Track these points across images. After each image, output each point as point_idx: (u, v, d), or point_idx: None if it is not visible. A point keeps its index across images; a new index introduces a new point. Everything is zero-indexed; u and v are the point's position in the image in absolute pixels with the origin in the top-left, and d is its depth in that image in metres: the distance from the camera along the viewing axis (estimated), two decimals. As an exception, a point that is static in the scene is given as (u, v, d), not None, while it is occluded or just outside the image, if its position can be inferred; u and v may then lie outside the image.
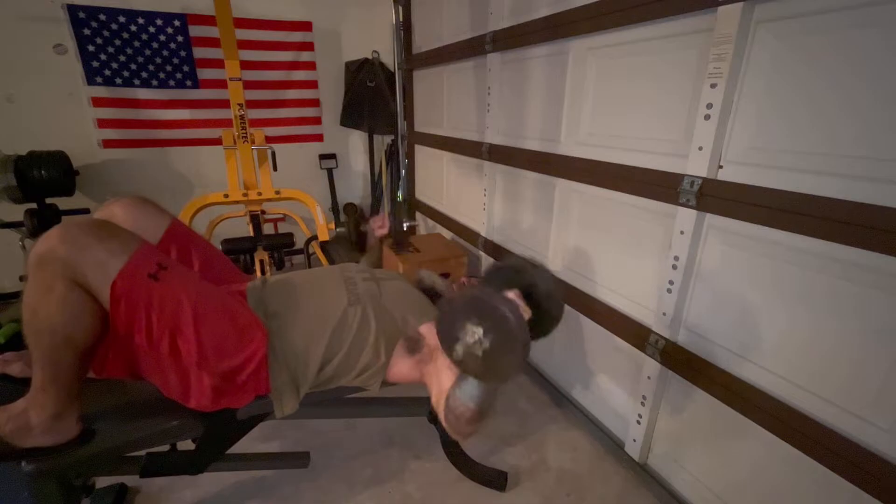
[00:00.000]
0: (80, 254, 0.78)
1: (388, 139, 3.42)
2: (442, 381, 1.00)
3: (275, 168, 2.45)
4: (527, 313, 0.91)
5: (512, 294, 0.93)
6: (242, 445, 1.13)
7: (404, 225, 3.08)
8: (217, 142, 2.44)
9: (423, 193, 3.14)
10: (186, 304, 0.88)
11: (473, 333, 0.80)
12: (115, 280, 0.80)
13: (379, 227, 1.59)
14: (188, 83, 2.84)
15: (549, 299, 1.03)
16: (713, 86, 1.08)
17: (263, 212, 2.52)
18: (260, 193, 2.39)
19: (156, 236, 1.06)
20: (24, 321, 0.80)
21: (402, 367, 1.10)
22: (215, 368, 0.92)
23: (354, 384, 1.11)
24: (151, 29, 2.67)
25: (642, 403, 1.43)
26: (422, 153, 3.07)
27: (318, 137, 3.34)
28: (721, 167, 1.11)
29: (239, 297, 1.06)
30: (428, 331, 1.13)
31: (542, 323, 1.06)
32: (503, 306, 0.77)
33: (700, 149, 1.13)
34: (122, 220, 1.02)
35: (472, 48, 2.13)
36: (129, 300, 0.82)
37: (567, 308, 1.73)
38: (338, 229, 1.86)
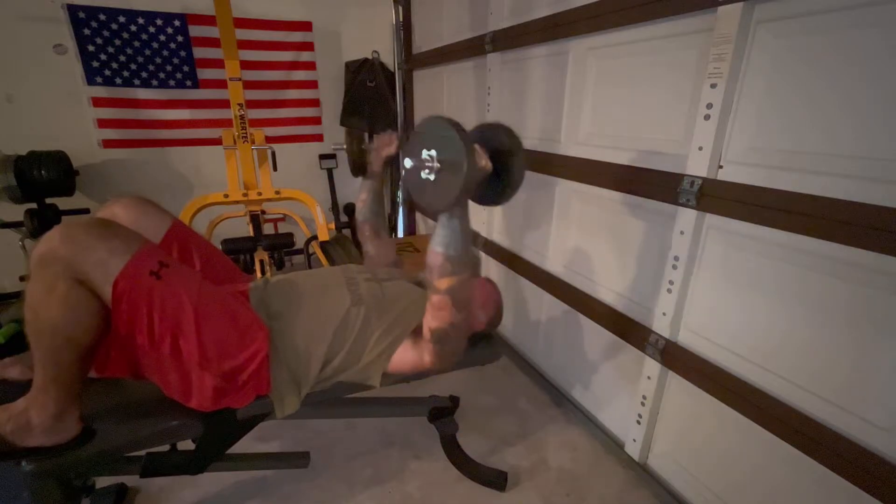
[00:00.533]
0: (82, 253, 0.78)
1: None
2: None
3: (275, 168, 2.45)
4: (485, 160, 0.99)
5: (477, 145, 0.98)
6: (242, 445, 1.12)
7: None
8: (217, 142, 2.44)
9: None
10: (188, 303, 0.87)
11: (428, 155, 0.89)
12: (117, 279, 0.80)
13: (386, 144, 1.28)
14: (188, 83, 2.84)
15: (511, 162, 1.06)
16: (713, 86, 1.08)
17: (263, 212, 2.52)
18: (260, 193, 2.39)
19: (157, 236, 1.06)
20: (26, 321, 0.80)
21: (404, 357, 1.10)
22: (217, 368, 0.92)
23: (357, 379, 1.11)
24: (151, 29, 2.67)
25: (642, 403, 1.43)
26: (422, 153, 3.06)
27: (318, 137, 3.34)
28: (721, 167, 1.12)
29: (241, 297, 1.06)
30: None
31: (501, 183, 1.08)
32: (462, 140, 0.85)
33: (700, 149, 1.13)
34: (123, 220, 1.02)
35: (472, 48, 2.14)
36: (131, 299, 0.82)
37: (567, 308, 1.74)
38: (333, 145, 1.59)
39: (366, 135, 1.42)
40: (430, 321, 1.02)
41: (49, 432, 0.85)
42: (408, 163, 0.92)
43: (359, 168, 1.37)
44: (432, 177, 0.90)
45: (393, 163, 1.33)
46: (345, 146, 1.38)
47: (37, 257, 0.78)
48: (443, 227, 0.94)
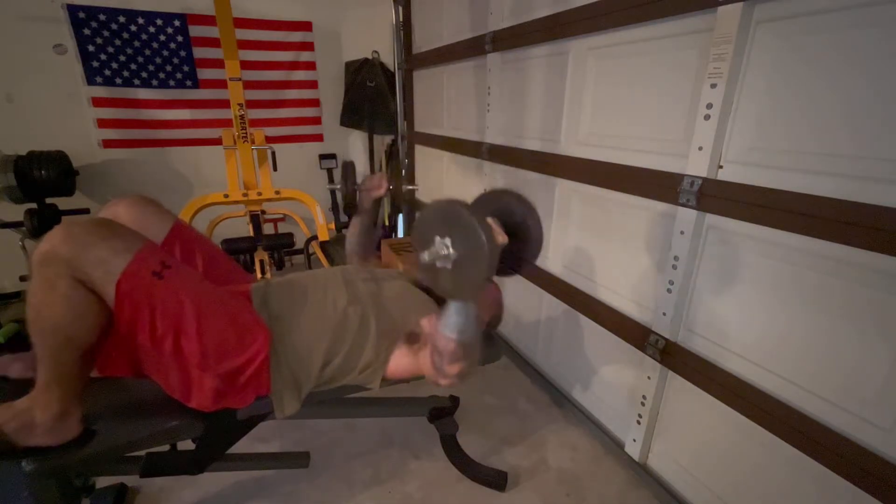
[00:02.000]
0: (84, 252, 0.78)
1: (388, 139, 3.42)
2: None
3: (275, 168, 2.45)
4: (501, 237, 0.92)
5: (490, 219, 0.92)
6: (242, 445, 1.12)
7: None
8: (217, 142, 2.44)
9: (423, 193, 3.14)
10: (189, 303, 0.88)
11: (443, 245, 0.81)
12: (119, 278, 0.80)
13: (375, 187, 1.42)
14: (188, 83, 2.84)
15: (527, 232, 1.02)
16: (713, 86, 1.08)
17: (263, 212, 2.52)
18: (260, 193, 2.39)
19: (159, 236, 1.06)
20: (28, 320, 0.80)
21: (401, 361, 1.10)
22: (217, 369, 0.92)
23: (355, 382, 1.11)
24: (151, 29, 2.68)
25: (642, 403, 1.43)
26: (422, 153, 3.07)
27: (318, 137, 3.34)
28: (721, 167, 1.11)
29: (242, 297, 1.06)
30: (427, 322, 1.13)
31: (519, 255, 1.04)
32: (476, 222, 0.78)
33: (700, 149, 1.13)
34: (125, 220, 1.02)
35: (472, 48, 2.14)
36: (134, 298, 0.82)
37: (567, 308, 1.74)
38: (328, 186, 1.72)
39: (356, 176, 1.51)
40: (436, 383, 0.99)
41: (51, 432, 0.85)
42: (424, 257, 0.82)
43: (351, 207, 1.46)
44: (448, 265, 0.82)
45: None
46: (338, 187, 1.43)
47: (38, 257, 0.78)
48: (457, 314, 0.87)
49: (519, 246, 1.00)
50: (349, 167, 1.48)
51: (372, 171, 3.44)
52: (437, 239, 0.81)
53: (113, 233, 0.83)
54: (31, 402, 0.84)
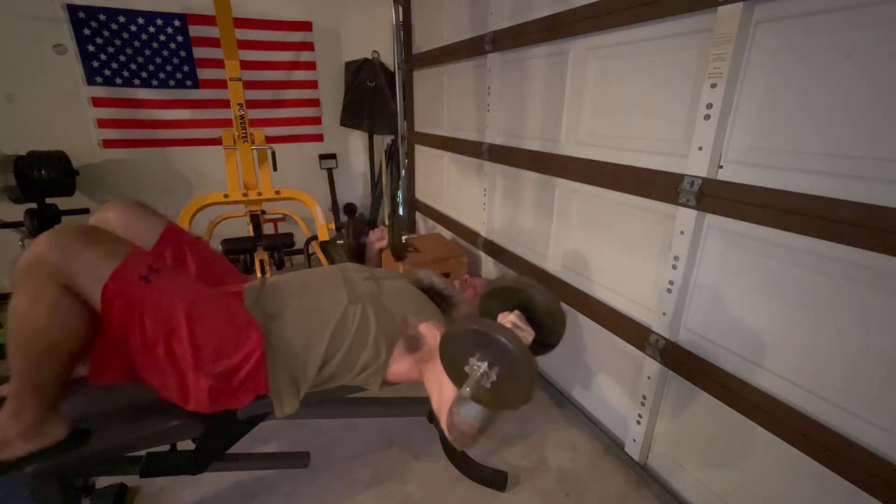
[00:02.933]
0: (71, 259, 0.78)
1: (388, 139, 3.42)
2: (443, 387, 1.00)
3: (275, 168, 2.45)
4: (529, 335, 0.92)
5: (512, 316, 0.93)
6: (242, 445, 1.13)
7: (403, 238, 3.11)
8: (217, 142, 2.44)
9: (423, 193, 3.14)
10: (179, 305, 0.87)
11: (479, 368, 0.80)
12: (106, 283, 0.80)
13: (378, 239, 1.61)
14: (188, 83, 2.84)
15: (549, 315, 1.01)
16: (713, 86, 1.08)
17: (263, 212, 2.52)
18: (260, 193, 2.39)
19: (151, 240, 1.06)
20: (8, 328, 0.79)
21: (401, 366, 1.10)
22: (211, 370, 0.92)
23: (355, 383, 1.11)
24: (151, 29, 2.67)
25: (642, 403, 1.43)
26: (422, 153, 3.07)
27: (318, 137, 3.34)
28: (721, 167, 1.11)
29: (235, 297, 1.06)
30: (427, 330, 1.13)
31: (546, 339, 1.04)
32: (504, 337, 0.77)
33: (700, 149, 1.13)
34: (115, 226, 1.02)
35: (472, 48, 2.13)
36: (122, 303, 0.82)
37: (567, 308, 1.74)
38: (338, 241, 1.89)
39: (364, 226, 1.69)
40: (448, 433, 0.99)
41: (32, 440, 0.85)
42: (466, 391, 0.81)
43: (355, 256, 1.59)
44: (488, 384, 0.81)
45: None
46: (342, 241, 1.57)
47: (24, 264, 0.78)
48: (483, 412, 0.89)
49: (545, 332, 1.00)
50: (353, 223, 1.62)
51: (372, 170, 3.44)
52: (472, 361, 0.81)
53: (99, 239, 0.83)
54: (2, 419, 0.83)
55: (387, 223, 3.37)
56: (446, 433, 0.98)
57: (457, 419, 0.92)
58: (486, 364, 0.80)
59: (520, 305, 1.00)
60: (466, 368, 0.82)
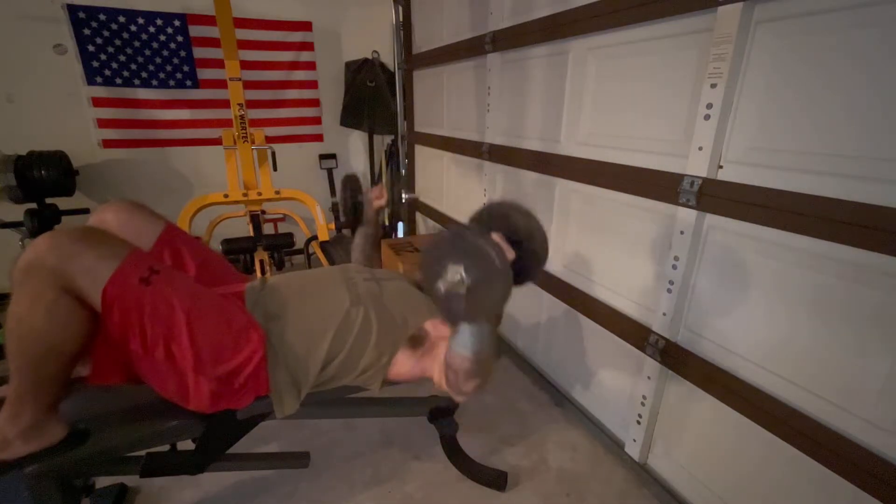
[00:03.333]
0: (70, 261, 0.78)
1: (388, 139, 3.43)
2: (442, 358, 1.00)
3: (275, 168, 2.45)
4: (510, 254, 0.90)
5: (494, 235, 0.91)
6: (242, 445, 1.13)
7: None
8: (217, 142, 2.44)
9: (423, 193, 3.14)
10: (179, 308, 0.87)
11: (455, 272, 0.81)
12: (106, 286, 0.79)
13: (377, 197, 1.49)
14: (188, 83, 2.84)
15: (532, 241, 1.01)
16: (713, 86, 1.08)
17: (263, 212, 2.52)
18: (260, 193, 2.39)
19: (149, 241, 1.06)
20: (7, 329, 0.79)
21: (404, 365, 1.10)
22: (212, 372, 0.92)
23: (356, 383, 1.11)
24: (151, 29, 2.68)
25: (642, 403, 1.43)
26: (422, 153, 3.07)
27: (318, 137, 3.34)
28: (721, 167, 1.11)
29: (235, 299, 1.05)
30: (431, 325, 1.13)
31: (527, 264, 1.02)
32: (485, 245, 0.78)
33: (700, 149, 1.13)
34: (114, 227, 1.02)
35: (472, 48, 2.13)
36: (122, 306, 0.82)
37: (567, 308, 1.74)
38: (332, 199, 1.79)
39: (360, 187, 1.57)
40: (452, 393, 1.00)
41: (30, 441, 0.85)
42: (440, 289, 0.82)
43: (351, 220, 1.50)
44: (463, 291, 0.81)
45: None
46: (339, 201, 1.47)
47: (23, 266, 0.78)
48: (472, 335, 0.88)
49: (526, 256, 0.98)
50: (350, 180, 1.53)
51: (372, 170, 3.44)
52: (450, 267, 0.81)
53: (99, 241, 0.83)
54: (1, 420, 0.84)
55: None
56: (446, 387, 0.99)
57: (450, 359, 0.92)
58: (462, 268, 0.80)
59: (504, 229, 0.98)
60: (444, 272, 0.83)
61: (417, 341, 1.12)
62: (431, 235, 0.88)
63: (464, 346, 0.89)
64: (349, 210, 1.53)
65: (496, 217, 1.05)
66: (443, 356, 0.99)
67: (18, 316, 0.78)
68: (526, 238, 1.01)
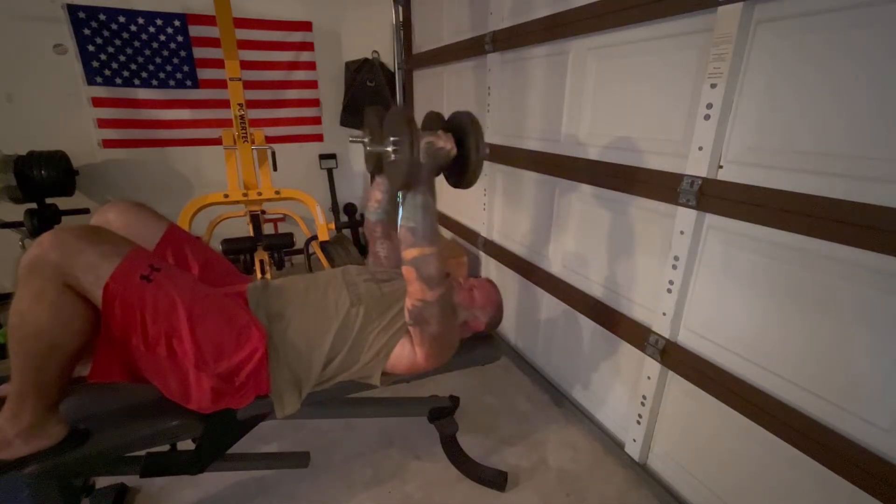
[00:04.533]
0: (72, 258, 0.78)
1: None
2: None
3: (275, 168, 2.45)
4: (448, 144, 1.04)
5: (441, 133, 1.06)
6: (242, 445, 1.13)
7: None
8: (217, 142, 2.44)
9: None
10: (180, 305, 0.88)
11: (389, 143, 1.00)
12: (107, 282, 0.80)
13: (448, 146, 1.26)
14: (188, 83, 2.84)
15: (467, 139, 1.08)
16: (713, 86, 1.08)
17: (263, 212, 2.52)
18: (260, 193, 2.39)
19: (152, 241, 1.06)
20: (10, 326, 0.79)
21: (402, 355, 1.10)
22: (213, 369, 0.92)
23: (355, 377, 1.12)
24: (151, 29, 2.67)
25: (642, 403, 1.43)
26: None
27: (318, 137, 3.34)
28: (721, 167, 1.11)
29: (238, 298, 1.06)
30: None
31: (463, 164, 1.10)
32: (412, 132, 0.96)
33: (700, 149, 1.13)
34: (116, 226, 1.02)
35: (472, 48, 2.13)
36: (124, 302, 0.82)
37: (567, 308, 1.74)
38: (350, 138, 1.49)
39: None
40: (406, 301, 1.05)
41: (31, 441, 0.85)
42: (368, 145, 1.14)
43: (378, 164, 1.27)
44: (393, 158, 0.99)
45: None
46: (365, 139, 1.26)
47: (26, 263, 0.78)
48: (407, 204, 1.01)
49: (463, 160, 1.09)
50: (376, 116, 1.23)
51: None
52: (390, 138, 1.00)
53: (101, 238, 0.83)
54: (2, 419, 0.84)
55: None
56: (408, 291, 1.05)
57: (399, 236, 1.03)
58: (392, 139, 0.99)
59: (452, 130, 1.10)
60: (383, 140, 1.04)
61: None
62: (389, 113, 1.10)
63: (403, 218, 1.01)
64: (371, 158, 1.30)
65: (453, 120, 1.13)
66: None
67: (21, 313, 0.78)
68: (464, 141, 1.09)
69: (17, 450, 0.85)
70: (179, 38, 2.75)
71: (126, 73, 2.68)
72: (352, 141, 1.33)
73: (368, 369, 1.10)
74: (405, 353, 1.10)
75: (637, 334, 1.41)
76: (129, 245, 0.86)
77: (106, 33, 2.58)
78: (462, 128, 1.07)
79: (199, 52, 2.81)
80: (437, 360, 1.11)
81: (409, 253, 1.01)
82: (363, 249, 3.12)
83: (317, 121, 3.30)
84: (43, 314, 0.78)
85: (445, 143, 1.04)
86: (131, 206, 1.08)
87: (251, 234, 2.50)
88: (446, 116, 1.16)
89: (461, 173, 1.12)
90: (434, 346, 1.07)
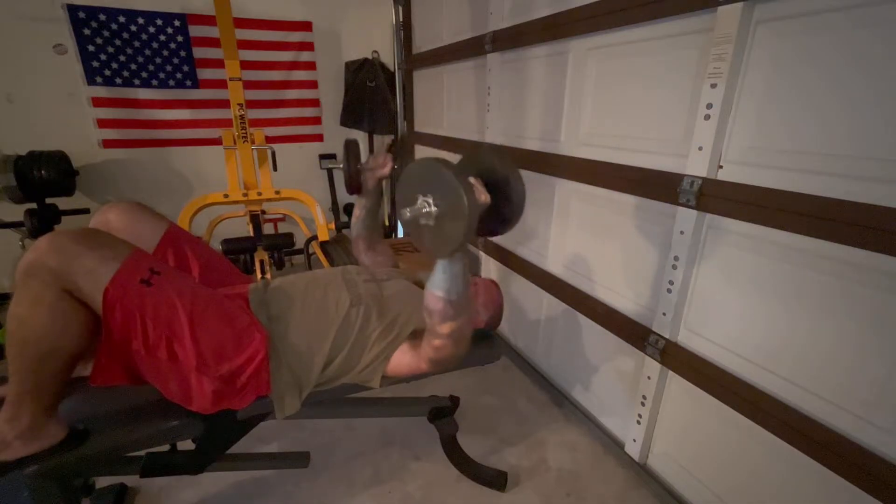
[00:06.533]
0: (71, 263, 0.78)
1: (388, 139, 3.42)
2: None
3: (275, 168, 2.45)
4: (484, 195, 0.92)
5: (472, 178, 0.92)
6: (242, 445, 1.12)
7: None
8: (217, 142, 2.44)
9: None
10: (181, 308, 0.87)
11: (424, 202, 0.84)
12: (107, 287, 0.79)
13: (380, 166, 1.30)
14: (188, 83, 2.84)
15: (507, 185, 0.99)
16: (713, 86, 1.08)
17: (263, 212, 2.52)
18: (260, 193, 2.39)
19: (152, 242, 1.06)
20: (8, 331, 0.79)
21: (402, 360, 1.10)
22: (214, 372, 0.92)
23: (356, 381, 1.12)
24: (151, 29, 2.68)
25: (642, 403, 1.43)
26: (422, 153, 3.07)
27: (318, 137, 3.34)
28: (721, 167, 1.11)
29: (239, 299, 1.05)
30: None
31: (502, 212, 1.01)
32: (455, 179, 0.79)
33: (700, 149, 1.13)
34: (117, 227, 1.02)
35: (472, 48, 2.13)
36: (124, 307, 0.82)
37: (567, 308, 1.74)
38: (329, 164, 1.53)
39: (361, 154, 1.39)
40: (430, 353, 1.02)
41: (30, 442, 0.85)
42: (406, 214, 0.85)
43: (354, 187, 1.33)
44: (431, 223, 0.84)
45: (393, 160, 1.32)
46: (341, 165, 1.32)
47: (24, 267, 0.78)
48: (444, 272, 0.90)
49: (502, 205, 0.99)
50: (352, 145, 1.35)
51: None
52: (420, 197, 0.84)
53: (100, 242, 0.83)
54: (1, 421, 0.83)
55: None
56: (426, 341, 1.00)
57: (426, 301, 0.94)
58: (431, 199, 0.83)
59: (481, 174, 0.98)
60: (414, 200, 0.85)
61: (416, 336, 1.12)
62: (413, 165, 0.88)
63: (436, 286, 0.91)
64: (351, 177, 1.35)
65: (480, 162, 1.04)
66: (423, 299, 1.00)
67: (19, 317, 0.78)
68: (503, 188, 0.99)
69: (16, 451, 0.85)
70: (179, 38, 2.75)
71: (126, 73, 2.68)
72: (331, 167, 1.27)
73: (368, 373, 1.10)
74: (406, 359, 1.10)
75: (637, 334, 1.41)
76: (128, 248, 0.86)
77: (106, 33, 2.58)
78: (497, 172, 0.97)
79: (199, 52, 2.81)
80: (443, 369, 1.10)
81: (446, 328, 0.95)
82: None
83: (317, 121, 3.30)
84: (41, 319, 0.78)
85: (482, 194, 0.92)
86: (131, 206, 1.07)
87: (251, 234, 2.50)
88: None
89: (503, 221, 1.02)
90: (443, 363, 1.06)
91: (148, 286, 0.84)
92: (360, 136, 3.44)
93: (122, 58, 2.65)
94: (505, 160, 0.99)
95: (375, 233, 1.41)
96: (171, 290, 0.88)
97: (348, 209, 3.43)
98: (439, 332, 0.96)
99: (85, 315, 0.82)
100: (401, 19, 2.91)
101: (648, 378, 1.40)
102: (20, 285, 0.78)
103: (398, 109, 3.11)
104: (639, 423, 1.46)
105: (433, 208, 0.83)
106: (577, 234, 1.68)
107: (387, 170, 1.31)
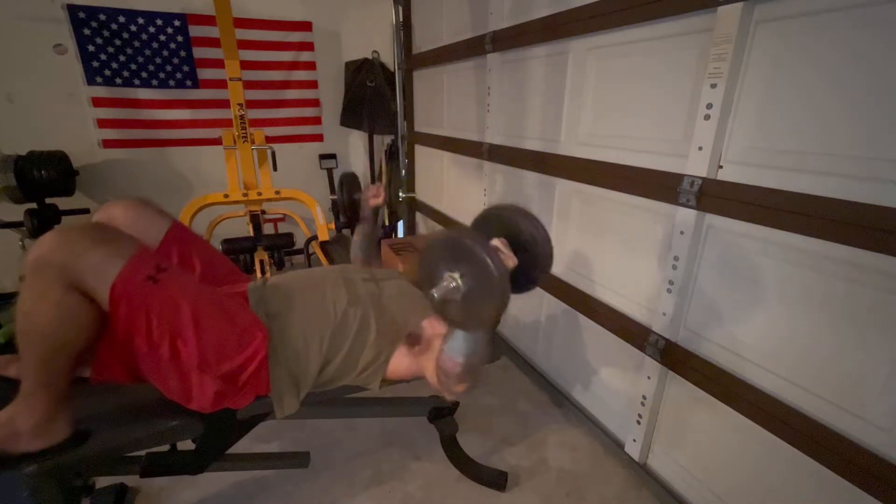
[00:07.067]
0: (77, 258, 0.78)
1: (388, 139, 3.42)
2: (436, 356, 0.99)
3: (275, 168, 2.45)
4: (511, 261, 0.87)
5: (496, 241, 0.88)
6: (242, 445, 1.13)
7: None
8: (217, 142, 2.44)
9: (423, 193, 3.14)
10: (185, 306, 0.87)
11: (451, 278, 0.79)
12: (113, 283, 0.80)
13: (373, 196, 1.44)
14: (188, 83, 2.84)
15: (535, 246, 0.97)
16: (713, 86, 1.08)
17: (263, 212, 2.52)
18: (260, 193, 2.39)
19: (156, 239, 1.06)
20: (18, 326, 0.79)
21: (401, 363, 1.10)
22: (216, 370, 0.92)
23: (356, 383, 1.11)
24: (151, 29, 2.68)
25: (642, 403, 1.43)
26: (422, 153, 3.07)
27: (318, 137, 3.34)
28: (721, 167, 1.11)
29: (239, 298, 1.06)
30: (428, 324, 1.13)
31: (530, 271, 0.97)
32: (482, 252, 0.75)
33: (700, 149, 1.13)
34: (121, 223, 1.02)
35: (472, 48, 2.13)
36: (129, 303, 0.82)
37: (567, 308, 1.74)
38: (330, 196, 1.77)
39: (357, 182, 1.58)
40: (443, 391, 1.00)
41: (38, 437, 0.85)
42: (434, 295, 0.80)
43: (349, 217, 1.46)
44: (458, 298, 0.79)
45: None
46: (338, 200, 1.43)
47: (31, 262, 0.78)
48: (465, 341, 0.87)
49: (529, 263, 0.95)
50: (347, 178, 1.52)
51: (372, 170, 3.44)
52: (446, 274, 0.79)
53: (106, 238, 0.83)
54: (14, 412, 0.84)
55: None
56: (436, 385, 0.99)
57: (442, 361, 0.92)
58: (458, 275, 0.78)
59: (506, 233, 0.95)
60: (439, 278, 0.81)
61: (415, 339, 1.12)
62: (431, 235, 0.82)
63: (456, 352, 0.89)
64: (347, 208, 1.54)
65: (499, 221, 1.01)
66: (437, 355, 0.99)
67: (27, 313, 0.79)
68: (529, 244, 0.97)
69: (25, 444, 0.85)
70: (179, 38, 2.75)
71: (126, 73, 2.68)
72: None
73: (368, 376, 1.10)
74: (405, 362, 1.10)
75: (637, 334, 1.41)
76: (134, 244, 0.86)
77: (106, 33, 2.58)
78: (525, 234, 0.93)
79: (199, 52, 2.81)
80: None
81: (461, 387, 0.95)
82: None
83: (317, 121, 3.30)
84: (49, 314, 0.78)
85: (510, 260, 0.86)
86: (136, 202, 1.07)
87: (251, 234, 2.50)
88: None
89: (523, 286, 0.99)
90: (466, 393, 1.04)
91: (154, 283, 0.84)
92: (360, 136, 3.44)
93: (122, 58, 2.65)
94: (526, 213, 0.96)
95: (372, 254, 1.54)
96: (177, 288, 0.88)
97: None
98: (454, 391, 0.96)
99: (91, 311, 0.82)
100: (401, 19, 2.91)
101: (648, 378, 1.40)
102: (27, 280, 0.79)
103: (398, 109, 3.11)
104: (639, 423, 1.46)
105: (461, 284, 0.78)
106: (578, 235, 1.68)
107: (381, 199, 1.46)
